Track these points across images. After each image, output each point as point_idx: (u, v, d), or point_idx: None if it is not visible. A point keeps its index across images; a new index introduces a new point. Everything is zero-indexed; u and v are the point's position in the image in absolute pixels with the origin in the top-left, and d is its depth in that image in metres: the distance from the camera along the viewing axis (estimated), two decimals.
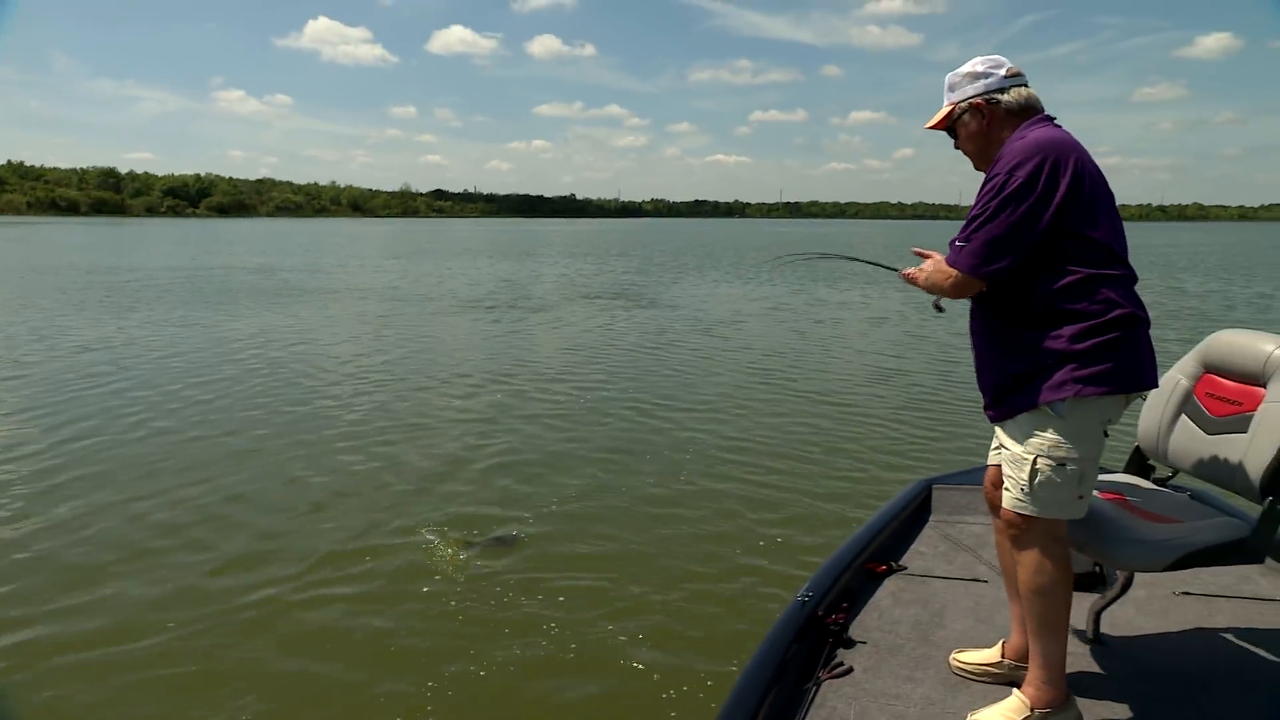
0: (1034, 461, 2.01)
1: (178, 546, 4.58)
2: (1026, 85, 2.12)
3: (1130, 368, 1.99)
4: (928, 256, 2.25)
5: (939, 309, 2.26)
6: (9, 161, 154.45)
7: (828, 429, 7.05)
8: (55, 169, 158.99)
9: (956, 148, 2.22)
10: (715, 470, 5.87)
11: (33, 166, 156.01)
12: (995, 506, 2.25)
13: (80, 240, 48.97)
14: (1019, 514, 2.06)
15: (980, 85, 2.12)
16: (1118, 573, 2.51)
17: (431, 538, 4.67)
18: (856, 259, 2.79)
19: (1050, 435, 2.00)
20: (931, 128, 2.21)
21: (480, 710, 3.13)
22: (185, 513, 5.05)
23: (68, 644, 3.55)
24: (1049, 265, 1.96)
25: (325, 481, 5.66)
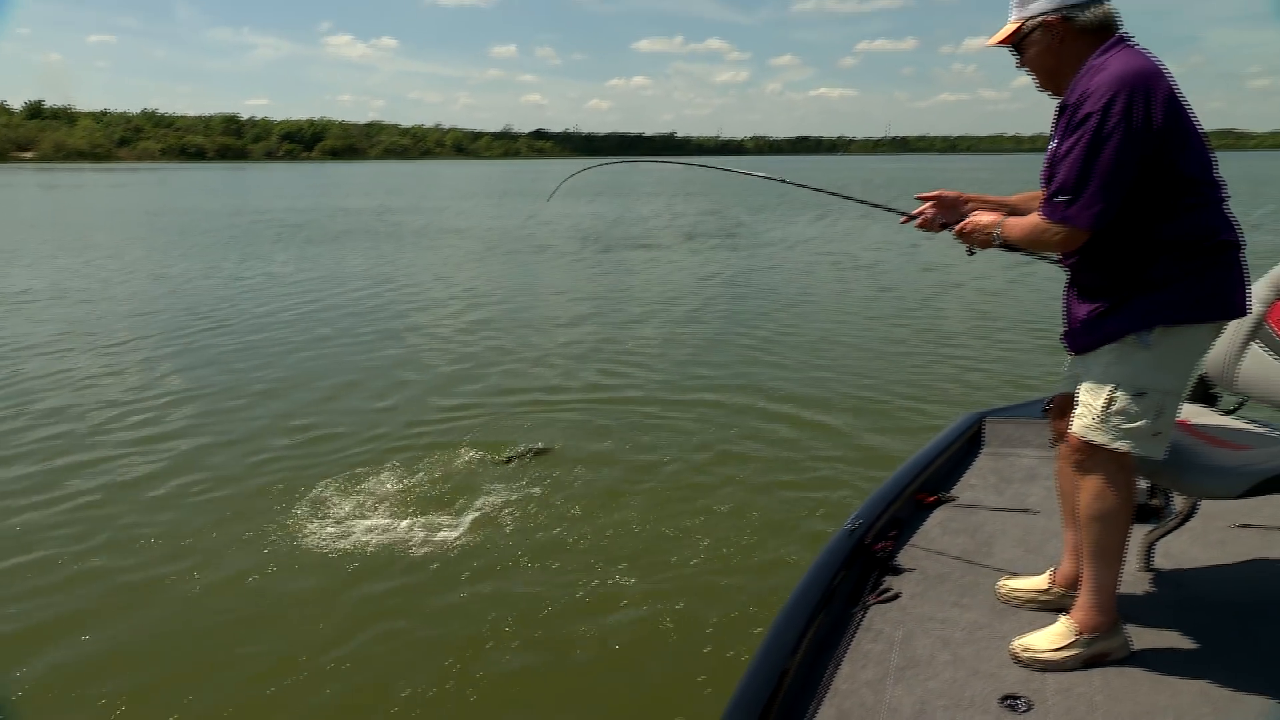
0: (1113, 390, 1.97)
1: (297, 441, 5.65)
2: (1105, 1, 1.96)
3: (1221, 294, 1.94)
4: (934, 199, 2.25)
5: (971, 254, 2.21)
6: (144, 110, 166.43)
7: (879, 366, 7.21)
8: (184, 117, 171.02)
9: (1020, 66, 2.08)
10: (769, 405, 6.09)
11: (165, 115, 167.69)
12: (1058, 434, 2.25)
13: (217, 184, 52.64)
14: (1086, 441, 2.02)
15: (1055, 0, 1.97)
16: (1176, 504, 2.50)
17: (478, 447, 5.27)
18: (853, 198, 2.74)
19: (1134, 364, 1.96)
20: (996, 44, 2.07)
21: (528, 625, 3.30)
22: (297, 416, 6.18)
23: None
24: (1141, 196, 1.89)
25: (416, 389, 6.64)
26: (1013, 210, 2.23)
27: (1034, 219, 2.02)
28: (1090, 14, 1.96)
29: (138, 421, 5.91)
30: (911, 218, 2.30)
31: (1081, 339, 2.07)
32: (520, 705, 2.90)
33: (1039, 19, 1.99)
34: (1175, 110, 1.88)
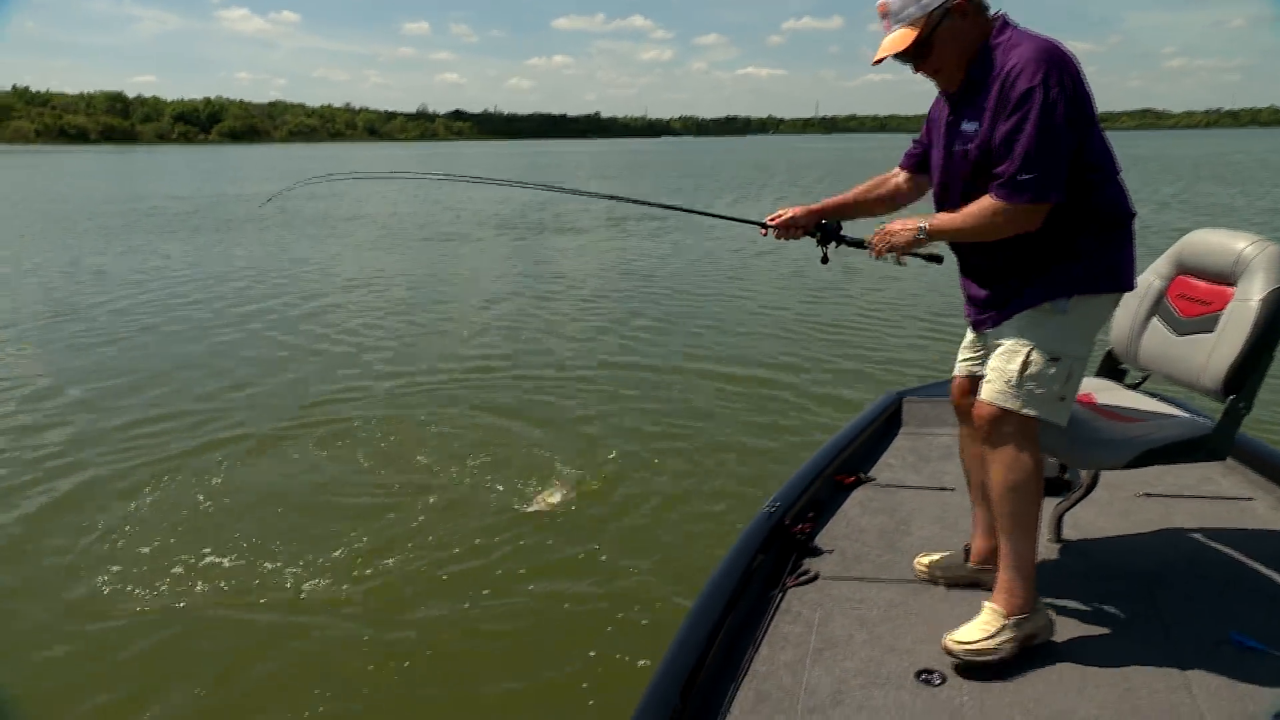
0: (1028, 354, 2.00)
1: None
2: None
3: (1122, 266, 2.03)
4: (783, 217, 2.32)
5: (900, 263, 2.16)
6: (14, 87, 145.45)
7: (799, 348, 7.20)
8: (62, 94, 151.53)
9: (917, 70, 2.05)
10: (688, 391, 6.00)
11: (39, 92, 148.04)
12: (963, 414, 2.30)
13: (98, 169, 48.65)
14: (999, 407, 2.02)
15: None
16: (1082, 476, 2.57)
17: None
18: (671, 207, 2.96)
19: (1049, 329, 2.00)
20: (897, 56, 2.01)
21: (425, 638, 3.13)
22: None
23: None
24: None
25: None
26: (856, 205, 2.37)
27: (987, 204, 1.97)
28: None
29: None
30: (768, 228, 2.38)
31: (996, 310, 2.09)
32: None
33: (944, 6, 1.96)
34: (1087, 86, 1.95)
